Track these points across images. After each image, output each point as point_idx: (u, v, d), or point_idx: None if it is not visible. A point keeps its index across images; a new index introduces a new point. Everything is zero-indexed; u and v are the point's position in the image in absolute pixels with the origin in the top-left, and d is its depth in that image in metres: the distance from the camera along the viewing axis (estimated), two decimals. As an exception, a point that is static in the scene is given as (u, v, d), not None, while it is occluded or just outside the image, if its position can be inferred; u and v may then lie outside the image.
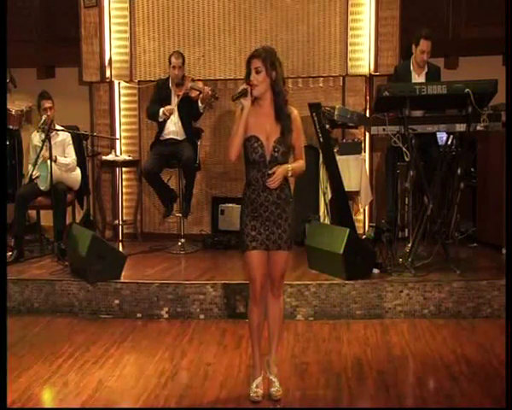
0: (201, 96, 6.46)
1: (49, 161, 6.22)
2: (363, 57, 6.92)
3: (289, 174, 3.82)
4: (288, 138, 3.81)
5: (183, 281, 5.58)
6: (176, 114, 6.61)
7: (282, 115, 3.82)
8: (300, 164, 3.90)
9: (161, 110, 6.53)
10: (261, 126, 3.83)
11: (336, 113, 5.67)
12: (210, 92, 6.46)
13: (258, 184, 3.83)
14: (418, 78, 6.33)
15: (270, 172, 3.78)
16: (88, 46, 7.16)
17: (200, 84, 6.59)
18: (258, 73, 3.79)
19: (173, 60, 6.56)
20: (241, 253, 3.97)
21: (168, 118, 6.55)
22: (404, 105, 5.44)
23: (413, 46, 6.26)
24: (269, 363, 4.04)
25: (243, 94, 3.80)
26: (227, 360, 4.56)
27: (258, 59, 3.79)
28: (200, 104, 6.52)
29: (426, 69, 6.35)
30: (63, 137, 6.58)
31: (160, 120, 6.57)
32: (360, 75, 6.94)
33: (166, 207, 6.78)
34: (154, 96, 6.76)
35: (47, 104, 6.42)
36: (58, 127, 6.58)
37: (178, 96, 6.57)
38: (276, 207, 3.85)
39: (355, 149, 6.61)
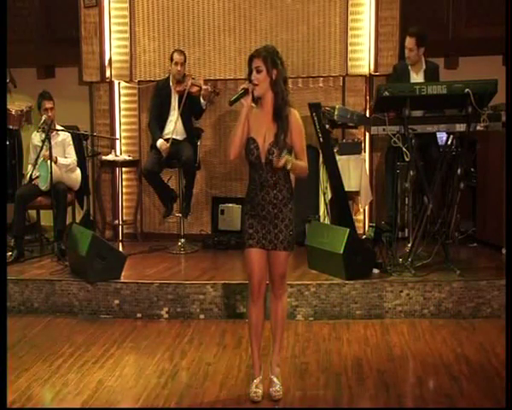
0: (202, 92, 6.47)
1: (49, 161, 6.22)
2: (363, 57, 6.91)
3: (288, 166, 3.77)
4: (283, 141, 3.79)
5: (183, 281, 5.58)
6: (176, 113, 6.62)
7: (279, 117, 3.81)
8: (302, 164, 3.87)
9: (159, 142, 6.51)
10: (260, 128, 3.85)
11: (336, 113, 5.67)
12: (209, 89, 6.47)
13: (256, 183, 3.87)
14: (416, 76, 6.34)
15: (273, 154, 3.75)
16: (88, 46, 7.16)
17: (201, 81, 6.60)
18: (258, 72, 3.79)
19: (176, 56, 6.58)
20: (243, 251, 3.99)
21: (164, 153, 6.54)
22: (404, 105, 5.43)
23: None
24: (270, 363, 4.05)
25: (242, 95, 3.81)
26: (227, 360, 4.56)
27: (259, 58, 3.79)
28: (202, 100, 6.53)
29: (424, 67, 6.35)
30: (63, 137, 6.59)
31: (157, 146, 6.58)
32: (360, 75, 6.94)
33: (166, 207, 6.78)
34: (154, 100, 6.76)
35: (48, 104, 6.42)
36: (58, 127, 6.58)
37: (179, 92, 6.57)
38: (273, 207, 3.86)
39: (355, 149, 6.61)
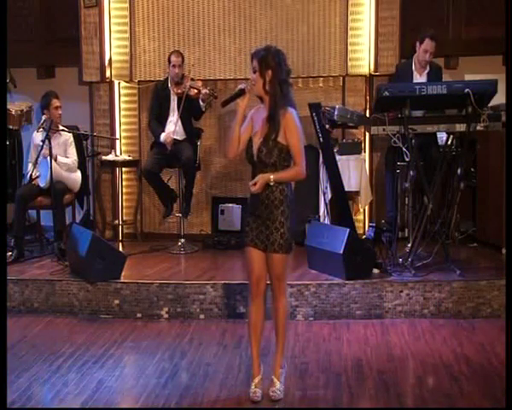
0: (201, 95, 6.47)
1: (48, 158, 6.21)
2: (363, 57, 6.91)
3: (271, 183, 3.79)
4: (274, 140, 3.79)
5: (183, 281, 5.58)
6: (176, 113, 6.62)
7: (272, 117, 3.82)
8: (290, 172, 3.86)
9: (163, 135, 6.53)
10: (258, 127, 3.88)
11: (336, 113, 5.66)
12: (208, 92, 6.47)
13: None
14: (420, 77, 6.33)
15: (253, 181, 3.80)
16: (88, 46, 7.16)
17: (200, 83, 6.60)
18: (254, 72, 3.84)
19: (173, 58, 6.57)
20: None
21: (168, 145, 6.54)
22: (404, 105, 5.43)
23: (417, 44, 6.26)
24: (273, 363, 4.05)
25: (238, 94, 3.84)
26: (227, 360, 4.56)
27: (256, 58, 3.84)
28: (201, 103, 6.53)
29: (427, 68, 6.34)
30: (66, 137, 6.59)
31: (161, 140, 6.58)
32: (360, 75, 6.94)
33: (166, 207, 6.78)
34: (153, 101, 6.76)
35: (58, 103, 6.46)
36: (61, 127, 6.58)
37: (178, 94, 6.57)
38: (265, 207, 3.86)
39: (355, 149, 6.62)
